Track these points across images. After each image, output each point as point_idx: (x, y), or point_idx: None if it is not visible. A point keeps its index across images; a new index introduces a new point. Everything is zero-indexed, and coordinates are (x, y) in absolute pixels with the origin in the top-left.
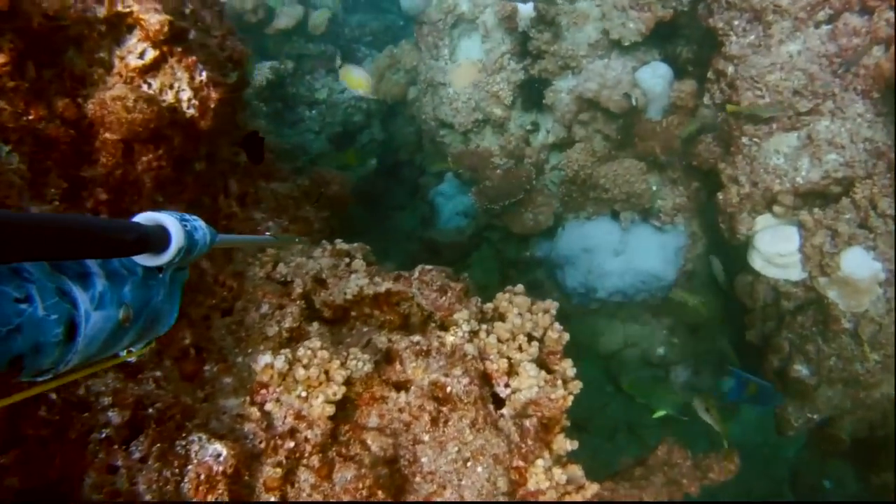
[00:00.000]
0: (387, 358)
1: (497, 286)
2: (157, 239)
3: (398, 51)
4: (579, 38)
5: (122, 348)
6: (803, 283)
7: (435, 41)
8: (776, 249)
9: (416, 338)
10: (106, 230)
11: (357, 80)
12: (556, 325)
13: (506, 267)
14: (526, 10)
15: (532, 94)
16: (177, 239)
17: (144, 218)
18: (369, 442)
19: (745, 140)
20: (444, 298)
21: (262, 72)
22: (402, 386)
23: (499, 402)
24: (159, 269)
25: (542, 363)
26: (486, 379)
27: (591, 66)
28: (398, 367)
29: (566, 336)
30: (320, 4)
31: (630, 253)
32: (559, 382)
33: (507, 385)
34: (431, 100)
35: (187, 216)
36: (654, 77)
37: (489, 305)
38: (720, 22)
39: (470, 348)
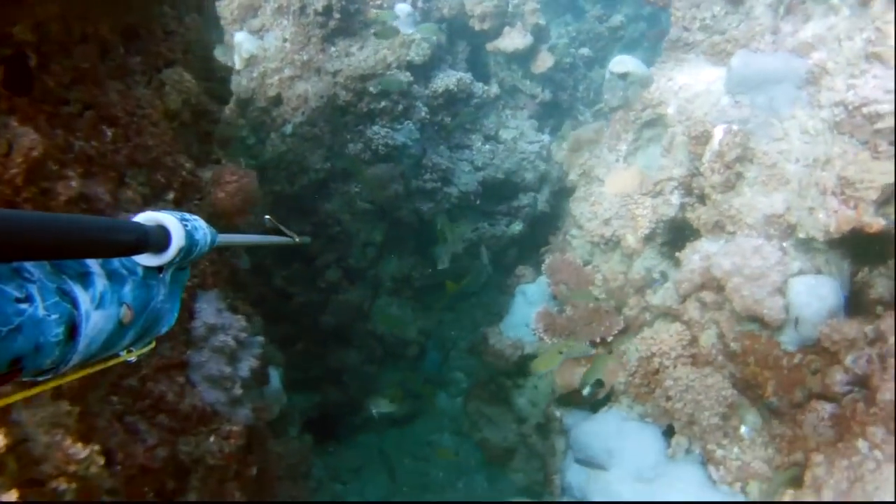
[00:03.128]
0: None
1: None
2: (157, 239)
3: (584, 130)
4: (758, 201)
5: (123, 348)
6: None
7: (620, 132)
8: None
9: None
10: (106, 230)
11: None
12: None
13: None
14: (720, 138)
15: (676, 239)
16: (177, 239)
17: (145, 218)
18: None
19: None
20: None
21: (446, 79)
22: None
23: None
24: (159, 268)
25: None
26: None
27: (743, 240)
28: None
29: None
30: (556, 48)
31: (656, 489)
32: None
33: None
34: (582, 191)
35: (188, 216)
36: (811, 295)
37: None
38: None
39: None
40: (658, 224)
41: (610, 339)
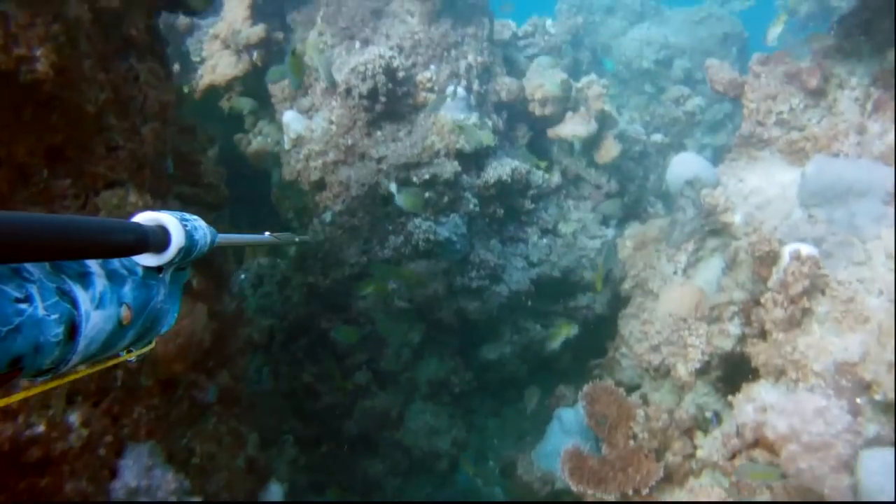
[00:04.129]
0: None
1: None
2: (157, 239)
3: (649, 227)
4: (829, 343)
5: (123, 348)
6: None
7: (680, 240)
8: None
9: None
10: (106, 231)
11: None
12: None
13: None
14: (789, 259)
15: (734, 374)
16: (177, 239)
17: (144, 217)
18: None
19: None
20: None
21: (500, 168)
22: None
23: None
24: (159, 268)
25: None
26: None
27: (805, 396)
28: None
29: None
30: (625, 135)
31: None
32: None
33: None
34: (634, 304)
35: (187, 216)
36: (887, 475)
37: None
38: None
39: None
40: (712, 357)
41: (646, 490)
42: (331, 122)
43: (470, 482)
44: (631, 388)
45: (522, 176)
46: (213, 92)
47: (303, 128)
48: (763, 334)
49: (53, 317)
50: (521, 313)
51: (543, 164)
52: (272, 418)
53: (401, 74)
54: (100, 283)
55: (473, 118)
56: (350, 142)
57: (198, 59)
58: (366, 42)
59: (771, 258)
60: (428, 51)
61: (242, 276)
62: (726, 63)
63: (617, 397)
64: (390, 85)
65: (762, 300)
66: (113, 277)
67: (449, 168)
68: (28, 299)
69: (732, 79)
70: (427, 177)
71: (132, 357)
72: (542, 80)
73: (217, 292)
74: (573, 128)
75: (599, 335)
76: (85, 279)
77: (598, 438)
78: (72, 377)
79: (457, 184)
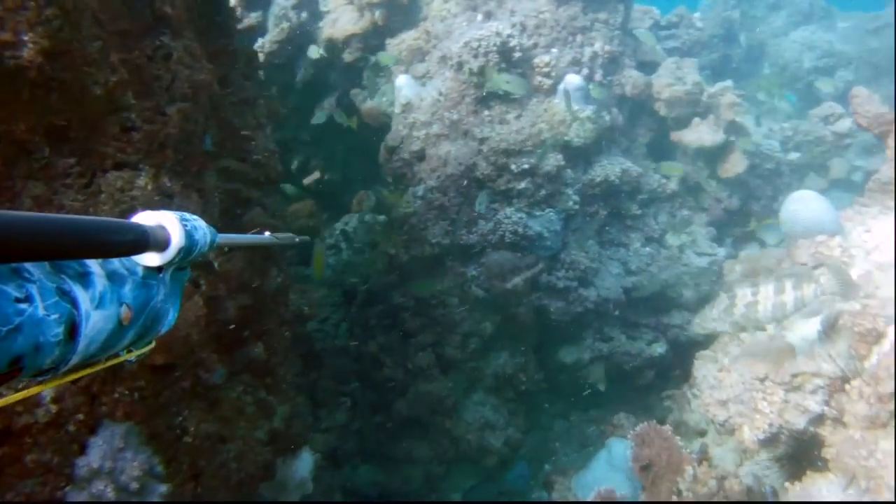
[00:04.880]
0: None
1: None
2: (156, 238)
3: (765, 255)
4: None
5: (123, 348)
6: None
7: (785, 283)
8: None
9: None
10: (106, 230)
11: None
12: None
13: None
14: (886, 351)
15: (802, 454)
16: (177, 238)
17: (144, 217)
18: None
19: None
20: None
21: (609, 167)
22: None
23: None
24: (159, 268)
25: None
26: None
27: None
28: None
29: None
30: (754, 150)
31: None
32: None
33: None
34: (717, 343)
35: (187, 215)
36: None
37: None
38: None
39: None
40: (781, 431)
41: None
42: (440, 94)
43: (517, 484)
44: (697, 433)
45: (633, 178)
46: (331, 45)
47: (413, 94)
48: (844, 422)
49: (53, 316)
50: (607, 320)
51: (677, 171)
52: (335, 379)
53: (517, 55)
54: (100, 282)
55: (589, 111)
56: (456, 117)
57: (325, 8)
58: (488, 15)
59: (873, 336)
60: (552, 33)
61: (340, 227)
62: (876, 96)
63: (670, 445)
64: (503, 65)
65: (850, 385)
66: (113, 277)
67: (552, 160)
68: (28, 299)
69: (879, 114)
70: (526, 166)
71: (132, 357)
72: (673, 79)
73: (264, 266)
74: (699, 136)
75: (688, 359)
76: (85, 279)
77: (640, 487)
78: (72, 377)
79: (558, 178)
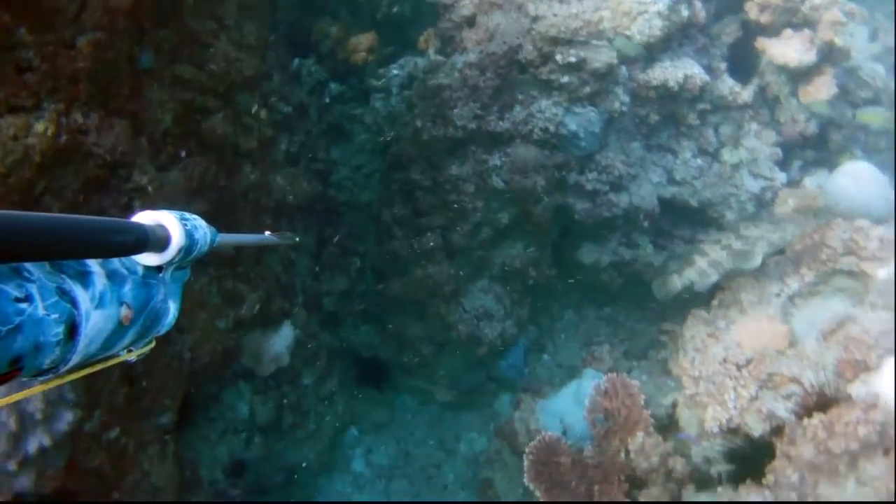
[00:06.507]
0: None
1: None
2: (157, 238)
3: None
4: None
5: (123, 348)
6: None
7: (802, 263)
8: None
9: None
10: (106, 230)
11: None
12: None
13: None
14: (862, 394)
15: (757, 458)
16: (177, 238)
17: (144, 217)
18: None
19: None
20: None
21: (671, 70)
22: None
23: None
24: (159, 268)
25: None
26: None
27: None
28: None
29: None
30: (851, 71)
31: None
32: None
33: None
34: (722, 302)
35: (187, 215)
36: None
37: None
38: None
39: None
40: (740, 428)
41: None
42: None
43: (509, 372)
44: (673, 386)
45: (696, 86)
46: None
47: None
48: (789, 454)
49: (53, 316)
50: (636, 226)
51: (877, 118)
52: (353, 228)
53: None
54: (100, 282)
55: (662, 4)
56: None
57: None
58: None
59: (861, 367)
60: None
61: (395, 71)
62: None
63: (633, 402)
64: None
65: (807, 422)
66: (113, 277)
67: (604, 57)
68: (28, 299)
69: None
70: (573, 60)
71: (133, 357)
72: None
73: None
74: (785, 51)
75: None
76: (85, 279)
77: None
78: (72, 377)
79: (608, 75)
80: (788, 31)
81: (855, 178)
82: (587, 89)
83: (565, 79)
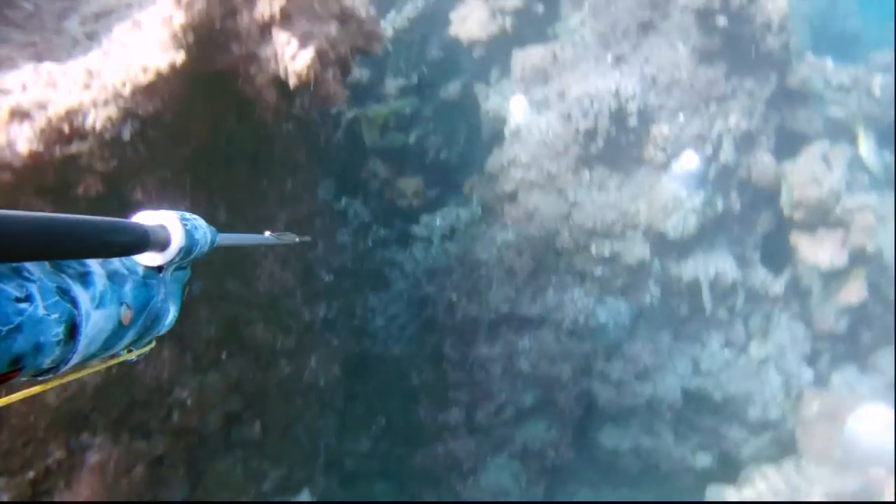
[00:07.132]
0: None
1: None
2: (157, 238)
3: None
4: None
5: (123, 348)
6: None
7: None
8: None
9: None
10: (107, 230)
11: None
12: None
13: None
14: None
15: None
16: (177, 238)
17: (145, 217)
18: None
19: None
20: None
21: (703, 266)
22: None
23: None
24: (159, 268)
25: None
26: None
27: None
28: None
29: None
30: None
31: None
32: None
33: None
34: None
35: (187, 215)
36: None
37: None
38: None
39: None
40: None
41: None
42: (546, 137)
43: None
44: None
45: (727, 283)
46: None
47: (524, 122)
48: None
49: (54, 316)
50: (658, 414)
51: None
52: (381, 384)
53: (632, 122)
54: (100, 282)
55: (698, 200)
56: (554, 170)
57: None
58: (619, 60)
59: None
60: (684, 95)
61: (438, 222)
62: None
63: None
64: (614, 131)
65: None
66: (113, 277)
67: (638, 251)
68: (28, 299)
69: None
70: (607, 254)
71: (133, 357)
72: (809, 177)
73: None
74: (817, 251)
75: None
76: (85, 278)
77: None
78: (72, 377)
79: (640, 270)
80: (822, 231)
81: (870, 420)
82: (619, 282)
83: (599, 271)
